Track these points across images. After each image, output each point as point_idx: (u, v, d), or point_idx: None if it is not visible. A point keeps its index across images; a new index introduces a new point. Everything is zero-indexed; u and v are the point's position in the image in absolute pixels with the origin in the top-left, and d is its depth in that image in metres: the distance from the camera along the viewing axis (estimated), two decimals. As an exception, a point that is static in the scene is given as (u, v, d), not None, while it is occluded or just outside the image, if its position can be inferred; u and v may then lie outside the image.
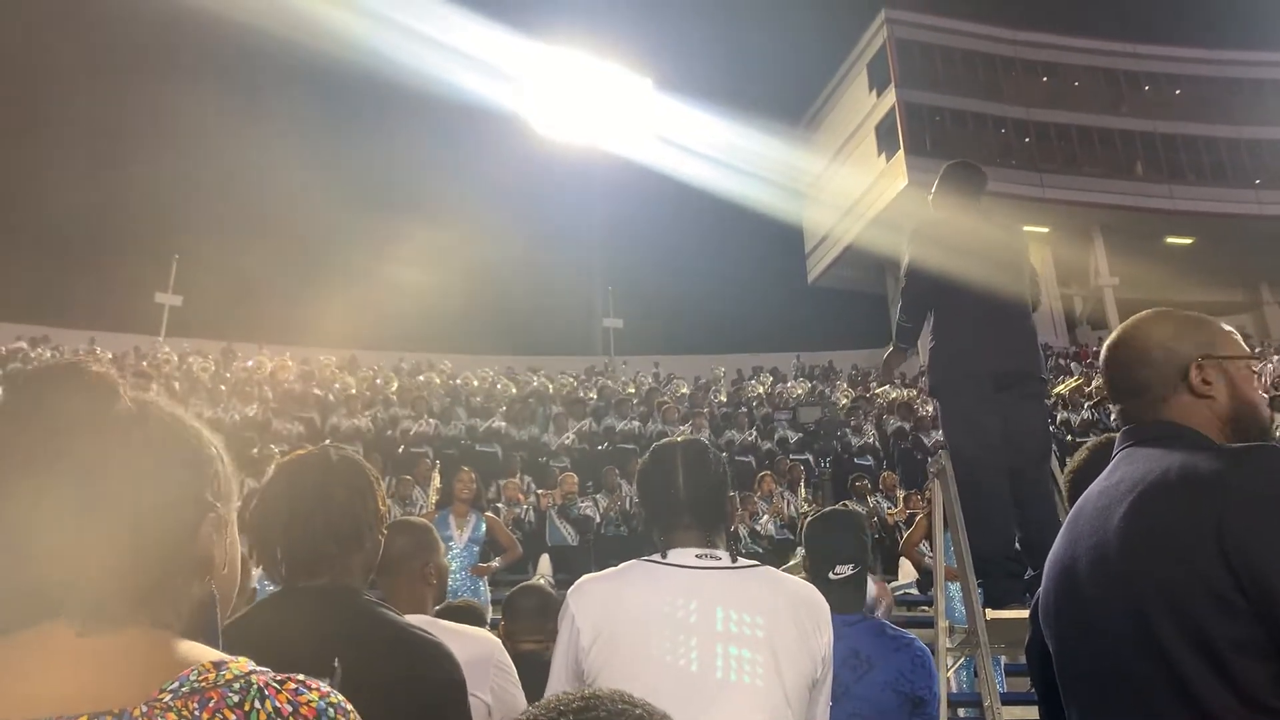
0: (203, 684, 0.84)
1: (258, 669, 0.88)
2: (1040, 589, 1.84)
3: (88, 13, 29.80)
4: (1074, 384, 17.66)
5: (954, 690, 6.01)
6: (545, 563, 9.79)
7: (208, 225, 29.03)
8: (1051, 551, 1.82)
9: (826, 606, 2.14)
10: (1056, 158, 32.54)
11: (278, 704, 0.85)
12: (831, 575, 2.87)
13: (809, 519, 3.11)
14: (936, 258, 4.22)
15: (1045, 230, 31.00)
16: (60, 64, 29.75)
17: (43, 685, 0.83)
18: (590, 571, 7.78)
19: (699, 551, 2.10)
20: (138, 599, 0.89)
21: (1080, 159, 32.67)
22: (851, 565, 2.89)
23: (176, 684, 0.84)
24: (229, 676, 0.86)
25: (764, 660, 1.98)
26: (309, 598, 1.80)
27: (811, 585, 2.21)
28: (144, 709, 0.82)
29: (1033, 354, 4.28)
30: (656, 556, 2.12)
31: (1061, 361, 24.05)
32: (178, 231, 28.33)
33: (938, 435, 13.53)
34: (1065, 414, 15.10)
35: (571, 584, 7.42)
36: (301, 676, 0.89)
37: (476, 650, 2.44)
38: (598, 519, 11.09)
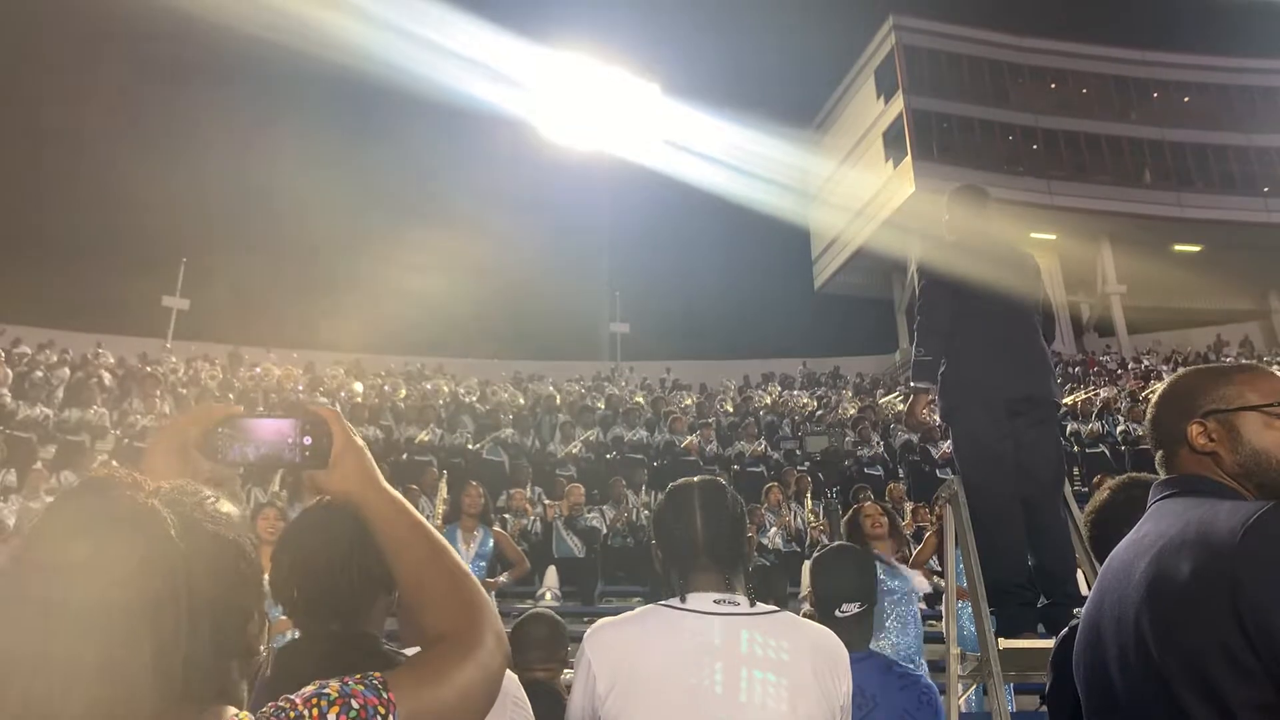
0: None
1: None
2: (1075, 640, 1.81)
3: (98, 21, 29.87)
4: (1083, 395, 17.59)
5: (963, 711, 5.98)
6: (552, 575, 9.75)
7: (215, 229, 29.12)
8: (1085, 605, 1.81)
9: (845, 654, 2.13)
10: (1064, 165, 32.48)
11: None
12: (838, 613, 2.85)
13: (815, 557, 3.09)
14: (950, 284, 4.19)
15: (1053, 237, 30.96)
16: (70, 70, 29.83)
17: None
18: (597, 583, 7.76)
19: (717, 596, 2.08)
20: (180, 698, 0.91)
21: (1088, 166, 32.62)
22: (858, 604, 2.87)
23: None
24: None
25: (782, 709, 1.96)
26: (334, 643, 1.80)
27: (829, 631, 2.19)
28: None
29: (1046, 379, 4.25)
30: (674, 601, 2.10)
31: (1070, 370, 24.00)
32: (185, 236, 28.41)
33: (946, 446, 13.49)
34: (1075, 424, 15.05)
35: (578, 595, 7.41)
36: (290, 702, 0.97)
37: None
38: (604, 530, 11.06)
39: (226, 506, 1.04)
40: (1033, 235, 29.62)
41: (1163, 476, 1.75)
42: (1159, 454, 1.77)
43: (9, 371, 14.45)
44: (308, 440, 1.28)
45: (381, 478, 1.30)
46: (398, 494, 1.29)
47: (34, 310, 24.79)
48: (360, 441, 1.32)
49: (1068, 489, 4.29)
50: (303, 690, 1.00)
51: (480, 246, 32.72)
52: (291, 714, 0.95)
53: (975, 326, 4.13)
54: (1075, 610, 3.71)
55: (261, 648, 1.04)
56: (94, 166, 28.88)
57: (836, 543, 3.13)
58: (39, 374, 15.00)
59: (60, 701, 0.85)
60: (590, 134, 32.78)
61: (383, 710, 1.00)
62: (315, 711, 0.97)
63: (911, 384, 4.34)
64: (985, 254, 4.36)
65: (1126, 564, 1.62)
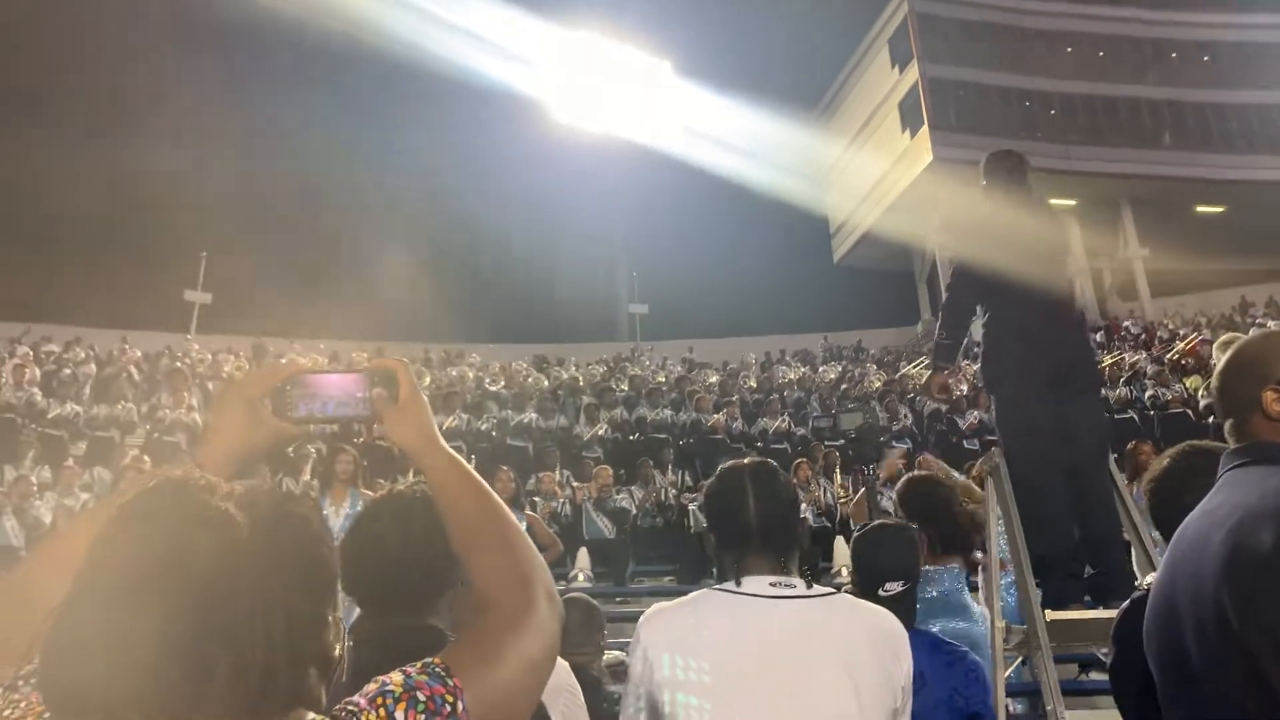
0: None
1: None
2: (1146, 613, 1.79)
3: (116, 13, 29.97)
4: (1108, 361, 17.46)
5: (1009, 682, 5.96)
6: (584, 556, 9.79)
7: (233, 222, 29.18)
8: (1156, 577, 1.79)
9: (905, 634, 2.11)
10: (1082, 129, 32.14)
11: None
12: (881, 593, 2.82)
13: (856, 535, 3.07)
14: (985, 256, 4.14)
15: (1072, 203, 30.68)
16: (86, 64, 29.92)
17: None
18: (629, 564, 7.79)
19: (773, 580, 2.06)
20: (256, 707, 0.90)
21: (1107, 130, 32.27)
22: (901, 582, 2.85)
23: None
24: None
25: (843, 691, 1.95)
26: (402, 637, 1.80)
27: (887, 612, 2.17)
28: None
29: (1085, 349, 4.21)
30: (729, 585, 2.09)
31: (1093, 335, 23.84)
32: (204, 229, 28.52)
33: (973, 416, 13.44)
34: (1103, 391, 14.92)
35: (610, 576, 7.44)
36: (356, 705, 0.97)
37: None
38: (634, 511, 11.09)
39: (304, 507, 1.02)
40: (1052, 201, 29.33)
41: (1233, 445, 1.72)
42: (1229, 422, 1.74)
43: (37, 371, 14.58)
44: (376, 393, 1.29)
45: (439, 435, 1.30)
46: (454, 452, 1.29)
47: (60, 308, 25.02)
48: (423, 397, 1.32)
49: (1111, 460, 4.25)
50: (365, 689, 0.99)
51: (496, 231, 32.77)
52: (360, 718, 0.95)
53: (1012, 299, 4.08)
54: (1139, 581, 3.68)
55: (336, 653, 1.02)
56: (110, 162, 29.00)
57: (878, 521, 3.10)
58: (67, 371, 15.12)
59: (139, 711, 0.85)
60: (603, 115, 32.64)
61: (450, 698, 0.99)
62: (382, 711, 0.96)
63: (933, 364, 4.32)
64: (1022, 223, 4.30)
65: (1201, 535, 1.59)
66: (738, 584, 2.07)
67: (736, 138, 31.19)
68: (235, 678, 0.87)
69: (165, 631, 0.85)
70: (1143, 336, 23.34)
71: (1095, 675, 6.51)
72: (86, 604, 0.88)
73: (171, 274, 27.71)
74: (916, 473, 4.72)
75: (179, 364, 16.54)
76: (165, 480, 0.95)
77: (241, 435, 1.27)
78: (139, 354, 18.78)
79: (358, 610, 1.94)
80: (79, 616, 0.87)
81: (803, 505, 10.79)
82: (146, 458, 10.32)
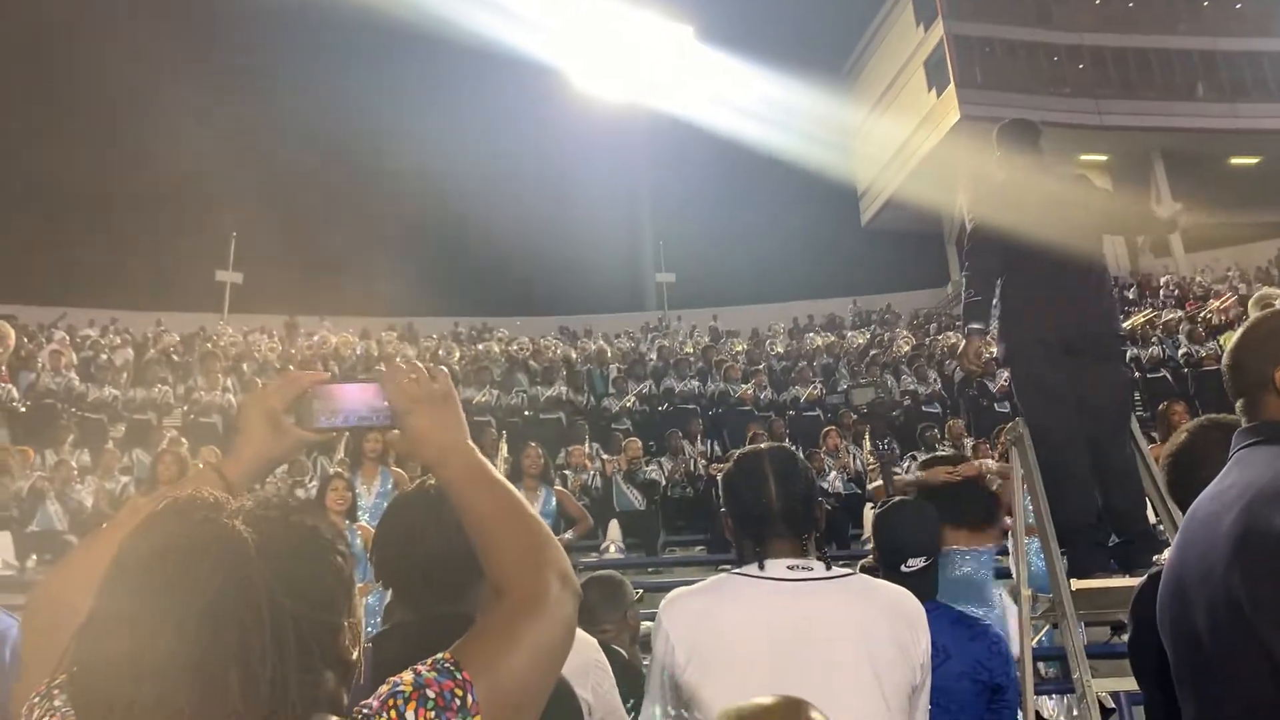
0: None
1: None
2: (1158, 591, 1.80)
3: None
4: (1142, 318, 17.24)
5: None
6: (615, 528, 9.86)
7: (262, 202, 29.36)
8: (1168, 555, 1.79)
9: (923, 613, 2.14)
10: (1113, 83, 31.57)
11: None
12: (903, 568, 2.85)
13: (877, 512, 3.09)
14: (1001, 223, 4.12)
15: (1104, 158, 30.25)
16: (113, 47, 30.10)
17: None
18: (660, 534, 7.82)
19: (791, 563, 2.09)
20: (271, 715, 0.93)
21: (1137, 82, 31.67)
22: (923, 558, 2.88)
23: None
24: None
25: (862, 670, 1.98)
26: (441, 626, 1.84)
27: (905, 591, 2.20)
28: None
29: (1106, 314, 4.18)
30: (748, 569, 2.12)
31: (1126, 294, 23.55)
32: (233, 210, 28.72)
33: (1004, 379, 13.34)
34: (1134, 350, 14.75)
35: (642, 547, 7.49)
36: (369, 708, 0.99)
37: (575, 649, 2.49)
38: (663, 482, 11.14)
39: (314, 519, 1.06)
40: (1083, 157, 28.94)
41: (1245, 424, 1.72)
42: (1240, 401, 1.74)
43: (74, 356, 14.81)
44: (388, 404, 1.32)
45: (457, 435, 1.31)
46: (469, 450, 1.30)
47: (94, 292, 25.35)
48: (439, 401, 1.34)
49: (1135, 425, 4.24)
50: (379, 690, 1.01)
51: (521, 203, 32.76)
52: (373, 718, 0.97)
53: (1027, 266, 4.06)
54: (1155, 557, 3.68)
55: (354, 656, 1.05)
56: (141, 147, 29.24)
57: (898, 498, 3.12)
58: (104, 356, 15.34)
59: (150, 715, 0.89)
60: (625, 83, 32.42)
61: (460, 691, 1.01)
62: (393, 712, 0.98)
63: (964, 326, 4.28)
64: (1036, 190, 4.27)
65: (1213, 515, 1.60)
66: (760, 567, 2.10)
67: (760, 104, 30.92)
68: (248, 688, 0.91)
69: (178, 646, 0.90)
70: (1176, 293, 23.02)
71: (1126, 637, 6.52)
72: (106, 621, 0.93)
73: (203, 255, 28.00)
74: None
75: (211, 346, 16.73)
76: (174, 500, 1.00)
77: (266, 446, 1.32)
78: (176, 337, 19.02)
79: (388, 595, 1.99)
80: (99, 632, 0.93)
81: (832, 473, 10.83)
82: (184, 440, 10.50)
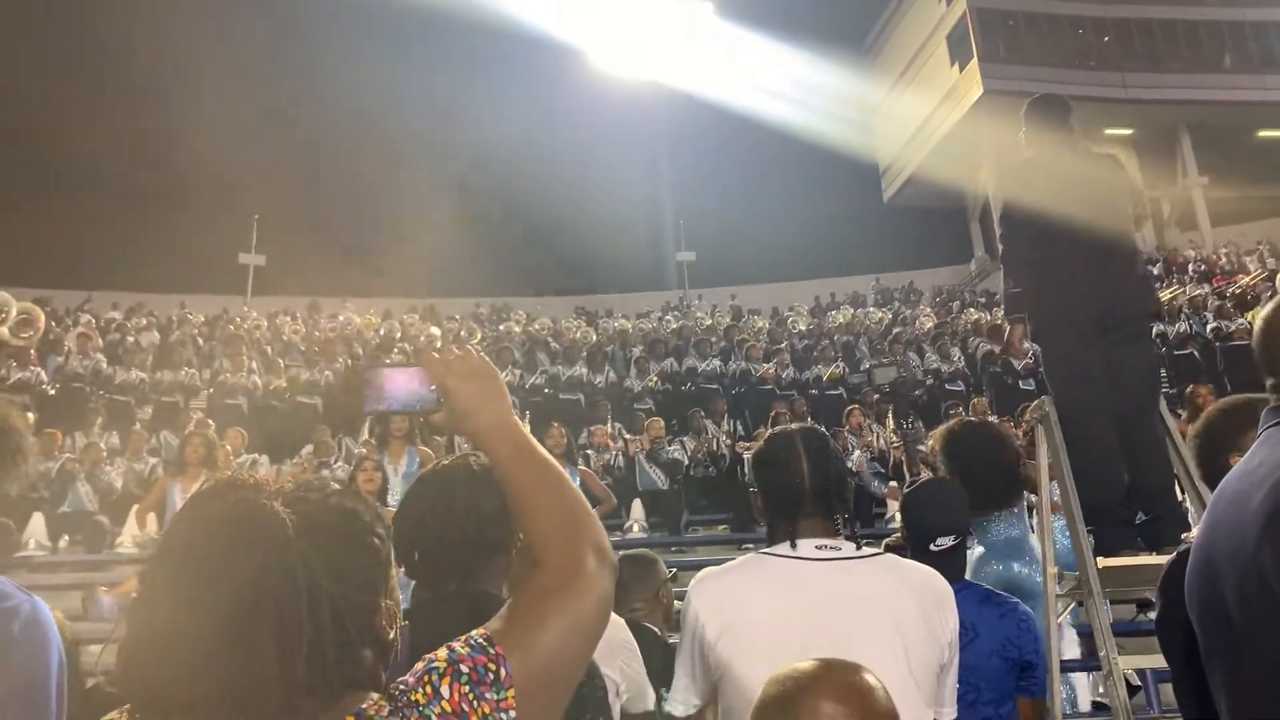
0: None
1: (390, 709, 0.98)
2: (1187, 569, 1.79)
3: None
4: (1168, 294, 17.09)
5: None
6: (638, 508, 9.91)
7: (283, 184, 29.48)
8: (1196, 533, 1.79)
9: (950, 591, 2.15)
10: (1138, 55, 31.14)
11: None
12: (932, 547, 2.85)
13: (907, 491, 3.09)
14: (1028, 202, 4.09)
15: (1129, 132, 29.89)
16: (137, 29, 30.22)
17: None
18: (683, 513, 7.84)
19: (820, 542, 2.10)
20: (309, 690, 0.96)
21: (1163, 55, 31.22)
22: (953, 536, 2.87)
23: None
24: None
25: (892, 650, 1.98)
26: (460, 604, 1.87)
27: (933, 570, 2.20)
28: None
29: (1136, 293, 4.15)
30: (778, 549, 2.13)
31: (1151, 269, 23.31)
32: (255, 193, 28.86)
33: (1030, 357, 13.25)
34: (1160, 326, 14.61)
35: (665, 526, 7.51)
36: (405, 684, 1.01)
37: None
38: (686, 461, 11.16)
39: (354, 502, 1.08)
40: (1108, 131, 28.63)
41: (1274, 402, 1.71)
42: (1270, 380, 1.73)
43: (101, 339, 14.96)
44: (433, 387, 1.35)
45: (502, 415, 1.33)
46: (517, 429, 1.32)
47: (119, 275, 25.56)
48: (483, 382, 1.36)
49: (1162, 403, 4.21)
50: (415, 668, 1.03)
51: (539, 183, 32.71)
52: (409, 696, 0.99)
53: (1061, 244, 4.03)
54: (1183, 536, 3.66)
55: (391, 636, 1.07)
56: (163, 130, 29.40)
57: (927, 476, 3.12)
58: (131, 339, 15.49)
59: (189, 689, 0.92)
60: (644, 61, 32.24)
61: (493, 666, 1.03)
62: (429, 688, 1.00)
63: (1007, 317, 4.26)
64: (1063, 168, 4.23)
65: (1241, 494, 1.59)
66: (792, 546, 2.11)
67: (781, 80, 30.73)
68: (285, 664, 0.93)
69: (216, 622, 0.92)
70: (1203, 268, 22.78)
71: (1152, 615, 6.49)
72: (150, 597, 0.97)
73: (225, 238, 28.16)
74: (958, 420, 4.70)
75: (234, 328, 16.86)
76: (217, 482, 1.03)
77: None
78: (201, 318, 19.18)
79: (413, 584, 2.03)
80: (144, 608, 0.96)
81: (856, 451, 10.82)
82: (211, 422, 10.61)
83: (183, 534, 0.99)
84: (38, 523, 9.11)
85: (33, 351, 13.07)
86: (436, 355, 1.36)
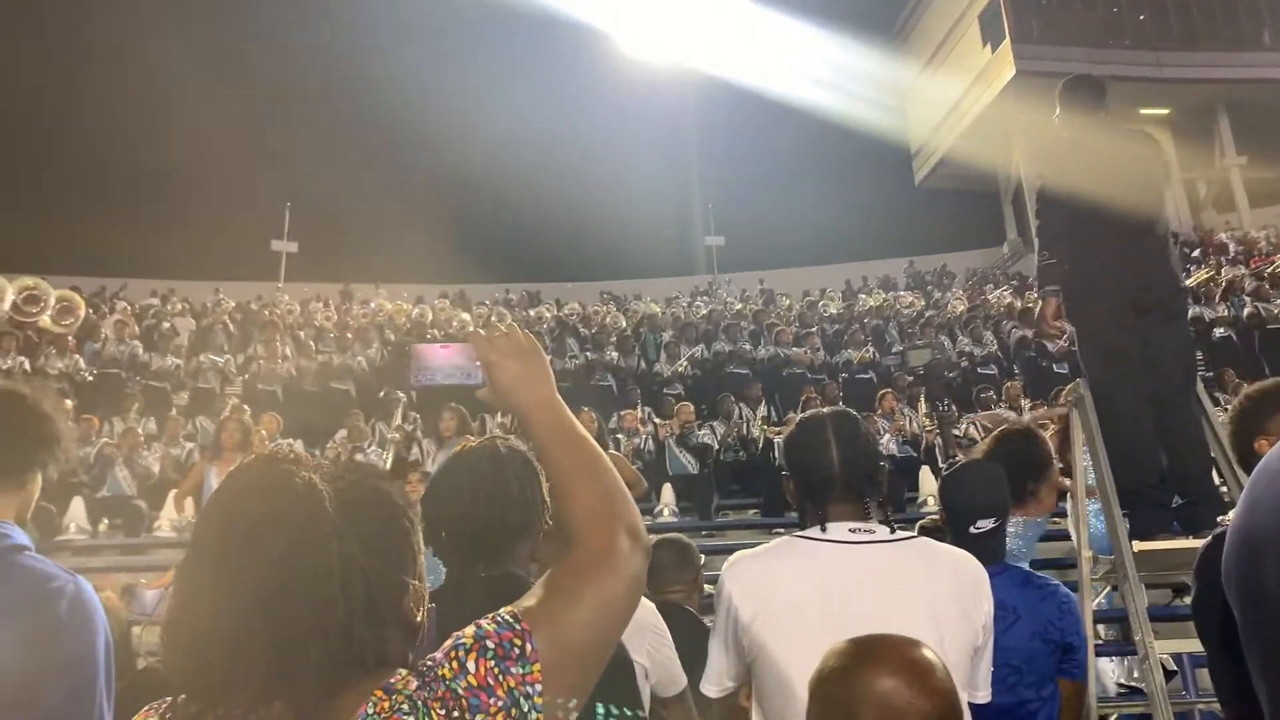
0: (380, 714, 0.96)
1: (418, 683, 0.99)
2: (1224, 551, 1.78)
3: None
4: (1204, 276, 16.86)
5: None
6: (668, 492, 9.91)
7: (315, 171, 29.68)
8: (1234, 514, 1.77)
9: (985, 576, 2.14)
10: (1174, 33, 30.56)
11: (438, 710, 0.97)
12: (972, 530, 2.84)
13: (945, 474, 3.07)
14: (1067, 184, 4.04)
15: (1165, 112, 29.40)
16: (167, 20, 30.48)
17: None
18: (713, 498, 7.87)
19: (853, 525, 2.11)
20: (342, 664, 0.99)
21: (1200, 32, 30.63)
22: (992, 519, 2.86)
23: None
24: (400, 700, 0.97)
25: (924, 631, 1.98)
26: (486, 586, 1.89)
27: (967, 554, 2.20)
28: None
29: (1171, 274, 4.10)
30: (810, 532, 2.14)
31: (1186, 250, 22.97)
32: (287, 180, 29.07)
33: (1065, 340, 13.12)
34: (1198, 309, 14.41)
35: (695, 510, 7.54)
36: (434, 660, 1.02)
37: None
38: (716, 445, 11.16)
39: (388, 484, 1.11)
40: (1143, 111, 28.18)
41: None
42: None
43: (137, 326, 15.15)
44: (478, 364, 1.37)
45: (544, 392, 1.34)
46: (558, 406, 1.33)
47: (153, 262, 25.83)
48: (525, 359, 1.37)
49: (1199, 385, 4.16)
50: (444, 644, 1.05)
51: (567, 168, 32.72)
52: (436, 671, 1.01)
53: (1097, 225, 3.99)
54: (1220, 518, 3.63)
55: (418, 618, 1.10)
56: (196, 118, 29.64)
57: (965, 458, 3.10)
58: (166, 325, 15.68)
59: (228, 662, 0.95)
60: (671, 44, 32.07)
61: (518, 641, 1.04)
62: (455, 663, 1.01)
63: (1040, 290, 4.20)
64: (1097, 148, 4.18)
65: None
66: (823, 529, 2.12)
67: (810, 63, 30.48)
68: (318, 632, 0.96)
69: (252, 588, 0.96)
70: (1240, 249, 22.43)
71: (1188, 599, 6.44)
72: (193, 564, 1.00)
73: (258, 225, 28.38)
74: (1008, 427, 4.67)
75: (269, 314, 17.01)
76: (257, 457, 1.06)
77: None
78: (232, 304, 19.36)
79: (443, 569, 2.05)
80: (188, 573, 1.00)
81: (887, 435, 10.77)
82: (246, 407, 10.72)
83: (221, 506, 1.02)
84: (78, 507, 9.25)
85: (71, 339, 13.26)
86: (482, 333, 1.37)
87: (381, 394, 12.25)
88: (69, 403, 11.01)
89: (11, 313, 13.01)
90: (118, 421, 11.28)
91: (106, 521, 9.62)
